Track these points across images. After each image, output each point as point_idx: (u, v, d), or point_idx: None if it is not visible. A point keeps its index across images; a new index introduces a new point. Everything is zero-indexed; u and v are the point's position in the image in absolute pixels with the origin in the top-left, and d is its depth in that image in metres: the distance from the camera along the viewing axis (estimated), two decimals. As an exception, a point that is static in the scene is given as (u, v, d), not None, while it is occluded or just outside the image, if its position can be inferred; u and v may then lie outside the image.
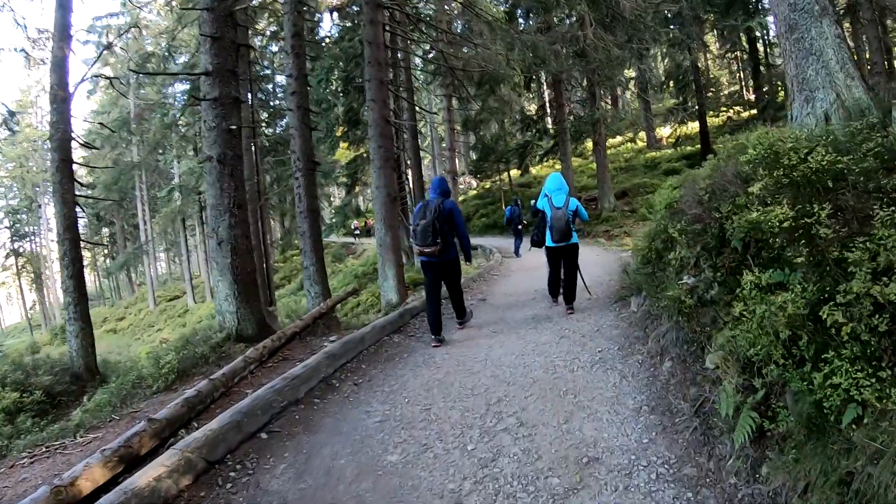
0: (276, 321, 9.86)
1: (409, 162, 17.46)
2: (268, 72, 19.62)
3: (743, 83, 29.38)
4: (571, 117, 18.86)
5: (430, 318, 5.54)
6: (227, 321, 6.78)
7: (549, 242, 6.16)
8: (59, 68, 9.02)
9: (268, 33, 16.78)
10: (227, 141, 6.71)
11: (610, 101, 23.42)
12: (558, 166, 28.38)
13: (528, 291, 8.09)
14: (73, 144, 9.11)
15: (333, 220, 26.12)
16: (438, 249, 5.30)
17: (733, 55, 27.82)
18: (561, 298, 6.49)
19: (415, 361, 4.94)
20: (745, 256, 3.63)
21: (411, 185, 17.13)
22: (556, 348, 4.80)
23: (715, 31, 21.48)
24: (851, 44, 18.85)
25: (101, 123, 19.19)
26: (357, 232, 30.50)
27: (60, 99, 8.99)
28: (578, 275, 6.36)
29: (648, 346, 4.34)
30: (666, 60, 21.34)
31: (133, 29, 21.03)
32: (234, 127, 6.74)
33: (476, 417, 3.53)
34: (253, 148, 13.63)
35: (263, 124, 18.28)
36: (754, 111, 27.97)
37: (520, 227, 14.99)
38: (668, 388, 3.56)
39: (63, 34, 9.12)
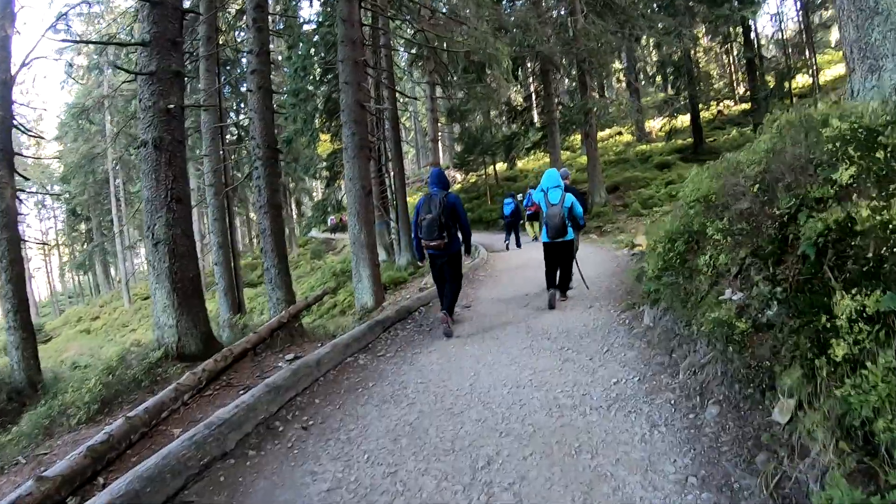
0: (240, 332, 8.81)
1: (389, 154, 16.37)
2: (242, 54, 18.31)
3: (733, 76, 28.72)
4: (560, 108, 17.93)
5: (442, 300, 5.80)
6: (166, 336, 5.72)
7: (544, 238, 6.24)
8: (2, 49, 7.93)
9: (233, 10, 15.54)
10: (166, 123, 5.62)
11: (598, 93, 22.51)
12: (546, 159, 27.54)
13: (518, 296, 7.14)
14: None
15: (312, 216, 24.98)
16: (444, 243, 5.41)
17: (723, 48, 27.22)
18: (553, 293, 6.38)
19: (382, 393, 3.94)
20: (819, 267, 2.70)
21: (392, 179, 16.06)
22: (559, 377, 3.84)
23: (706, 23, 20.63)
24: None
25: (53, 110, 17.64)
26: (334, 227, 29.36)
27: (1, 83, 7.89)
28: (576, 269, 6.76)
29: (681, 380, 3.40)
30: (654, 52, 20.47)
31: (82, 5, 19.52)
32: (172, 106, 5.65)
33: (457, 491, 2.55)
34: (222, 133, 12.48)
35: (232, 113, 17.03)
36: (746, 105, 27.43)
37: (521, 220, 14.76)
38: (720, 447, 2.62)
39: (5, 12, 8.02)
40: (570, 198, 6.16)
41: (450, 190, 5.69)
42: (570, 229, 6.12)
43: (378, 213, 17.79)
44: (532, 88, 23.85)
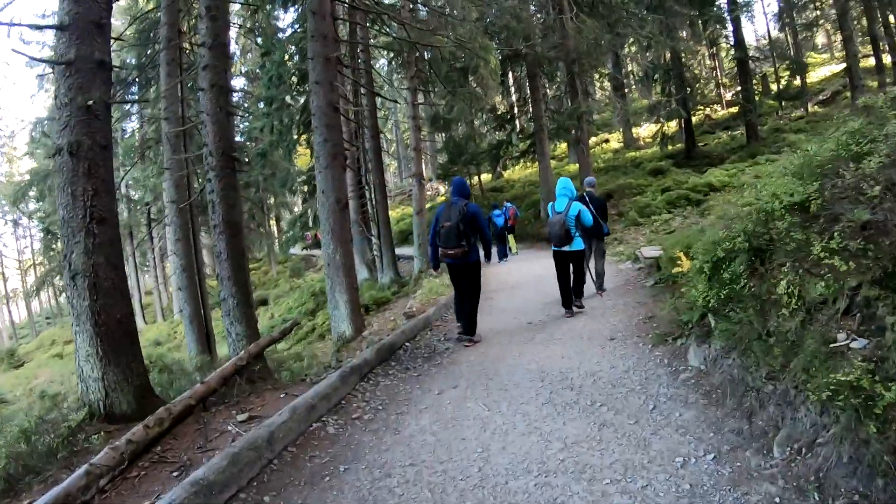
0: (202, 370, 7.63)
1: (369, 165, 15.34)
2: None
3: (719, 81, 28.31)
4: (550, 113, 17.09)
5: (458, 312, 5.82)
6: (91, 392, 4.56)
7: (553, 246, 6.24)
8: None
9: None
10: (85, 124, 4.50)
11: (585, 98, 21.77)
12: (533, 168, 26.73)
13: (521, 326, 6.11)
14: None
15: (290, 233, 23.82)
16: (462, 252, 5.40)
17: (711, 51, 26.80)
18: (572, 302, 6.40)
19: (357, 483, 2.83)
20: None
21: (373, 191, 15.01)
22: (601, 455, 2.79)
23: (693, 25, 20.05)
24: None
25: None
26: (309, 244, 28.15)
27: None
28: (588, 274, 6.79)
29: (778, 463, 2.38)
30: (641, 56, 19.75)
31: None
32: (93, 102, 4.54)
33: None
34: (185, 141, 11.28)
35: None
36: (733, 109, 26.97)
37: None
38: None
39: None
40: (576, 206, 6.04)
41: (471, 199, 5.68)
42: (577, 239, 6.02)
43: (358, 229, 16.71)
44: (514, 99, 23.04)
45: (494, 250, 13.50)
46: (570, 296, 6.25)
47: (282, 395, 4.86)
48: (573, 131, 15.21)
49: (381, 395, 4.22)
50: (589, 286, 6.92)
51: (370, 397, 4.21)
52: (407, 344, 5.85)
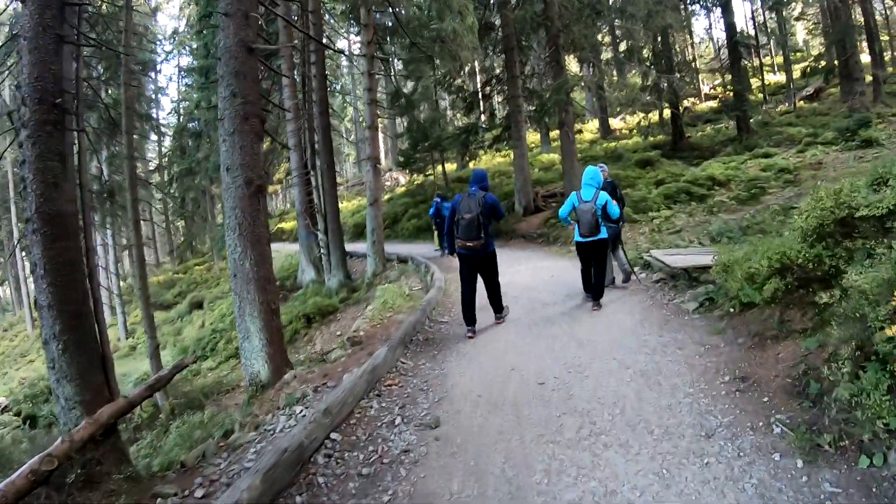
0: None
1: (317, 146, 12.78)
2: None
3: (696, 71, 26.92)
4: (526, 93, 14.92)
5: (465, 309, 5.62)
6: None
7: (577, 237, 6.12)
8: None
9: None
10: None
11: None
12: (503, 158, 24.59)
13: (522, 383, 3.91)
14: None
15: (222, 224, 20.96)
16: (481, 244, 5.33)
17: (690, 41, 25.43)
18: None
19: None
20: None
21: (320, 176, 12.46)
22: None
23: (676, 11, 18.27)
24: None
25: None
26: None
27: None
28: (623, 257, 6.97)
29: None
30: (626, 37, 17.83)
31: None
32: None
33: None
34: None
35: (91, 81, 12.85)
36: (713, 103, 25.61)
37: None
38: None
39: None
40: (604, 195, 5.98)
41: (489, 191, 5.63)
42: (603, 228, 5.96)
43: (304, 222, 14.17)
44: (480, 80, 20.67)
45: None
46: (591, 280, 6.16)
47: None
48: (558, 113, 13.05)
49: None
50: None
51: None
52: (353, 420, 3.50)
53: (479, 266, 5.56)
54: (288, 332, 10.88)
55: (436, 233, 14.61)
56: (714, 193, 11.38)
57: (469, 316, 5.58)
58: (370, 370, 4.01)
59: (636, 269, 7.93)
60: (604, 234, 5.94)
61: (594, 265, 6.07)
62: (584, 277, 6.31)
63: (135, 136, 14.19)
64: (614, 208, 6.05)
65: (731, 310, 4.59)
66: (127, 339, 21.51)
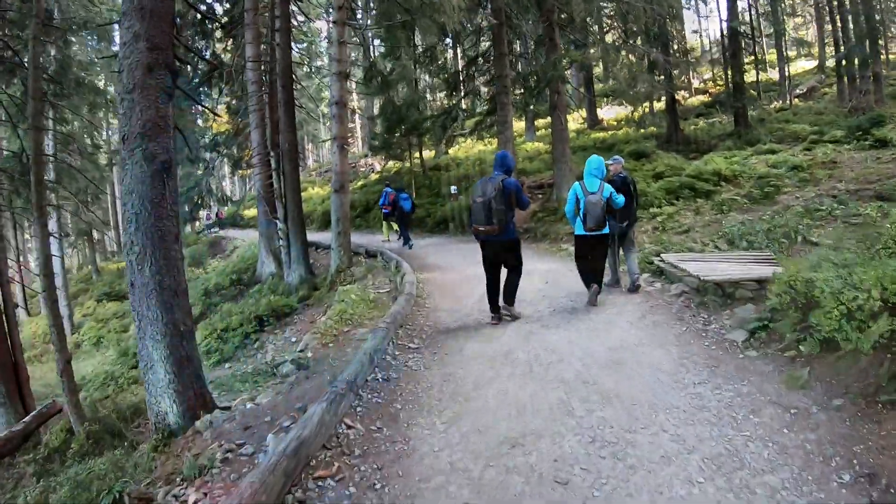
0: None
1: (280, 123, 11.25)
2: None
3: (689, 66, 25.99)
4: (514, 73, 13.59)
5: (489, 294, 5.51)
6: None
7: (580, 231, 5.83)
8: None
9: None
10: None
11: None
12: (486, 146, 23.23)
13: (543, 491, 2.65)
14: None
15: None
16: (492, 230, 5.10)
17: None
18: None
19: None
20: None
21: (281, 157, 10.94)
22: None
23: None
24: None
25: None
26: (210, 224, 23.35)
27: None
28: (635, 264, 6.37)
29: None
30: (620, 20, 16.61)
31: None
32: None
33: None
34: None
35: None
36: (703, 97, 24.68)
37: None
38: None
39: None
40: (608, 188, 5.73)
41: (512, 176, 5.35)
42: (607, 222, 5.69)
43: (263, 208, 12.65)
44: (460, 61, 19.14)
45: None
46: (591, 276, 5.89)
47: None
48: (550, 94, 11.75)
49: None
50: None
51: None
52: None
53: (498, 253, 5.34)
54: (237, 335, 9.42)
55: (384, 223, 14.37)
56: (721, 190, 10.28)
57: (493, 303, 5.48)
58: (293, 450, 2.52)
59: (645, 275, 6.75)
60: (607, 228, 5.72)
61: (595, 260, 5.88)
62: (583, 272, 6.02)
63: (64, 104, 12.40)
64: (619, 199, 5.77)
65: (808, 349, 3.40)
66: (73, 334, 19.53)
